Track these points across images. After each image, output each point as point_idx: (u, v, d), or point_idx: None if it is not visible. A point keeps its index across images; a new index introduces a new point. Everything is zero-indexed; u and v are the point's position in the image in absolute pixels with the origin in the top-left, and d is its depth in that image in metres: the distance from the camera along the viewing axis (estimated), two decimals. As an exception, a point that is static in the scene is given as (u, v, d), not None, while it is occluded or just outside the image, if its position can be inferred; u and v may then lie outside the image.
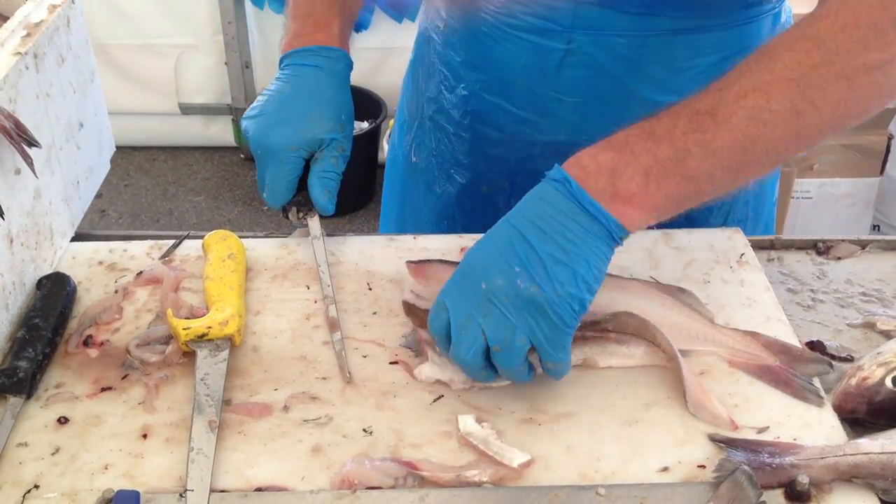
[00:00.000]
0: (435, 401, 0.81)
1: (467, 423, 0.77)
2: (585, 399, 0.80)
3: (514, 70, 1.01)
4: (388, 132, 2.93)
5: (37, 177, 0.87)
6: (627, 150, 0.76)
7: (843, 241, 1.03)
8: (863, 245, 1.03)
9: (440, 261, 0.93)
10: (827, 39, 0.74)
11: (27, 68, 0.88)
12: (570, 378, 0.82)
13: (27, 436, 0.77)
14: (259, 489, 0.72)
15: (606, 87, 0.98)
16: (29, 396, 0.80)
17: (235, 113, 3.39)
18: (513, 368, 0.75)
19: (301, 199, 0.96)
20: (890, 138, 2.81)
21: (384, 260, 0.97)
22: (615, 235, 0.75)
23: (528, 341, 0.74)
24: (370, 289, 0.93)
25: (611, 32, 0.95)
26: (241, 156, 3.54)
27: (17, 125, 0.83)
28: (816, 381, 0.81)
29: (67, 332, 0.87)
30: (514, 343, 0.73)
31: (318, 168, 0.94)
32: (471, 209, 1.14)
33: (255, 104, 0.96)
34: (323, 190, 0.94)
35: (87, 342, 0.86)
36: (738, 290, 0.93)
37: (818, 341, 0.89)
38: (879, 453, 0.71)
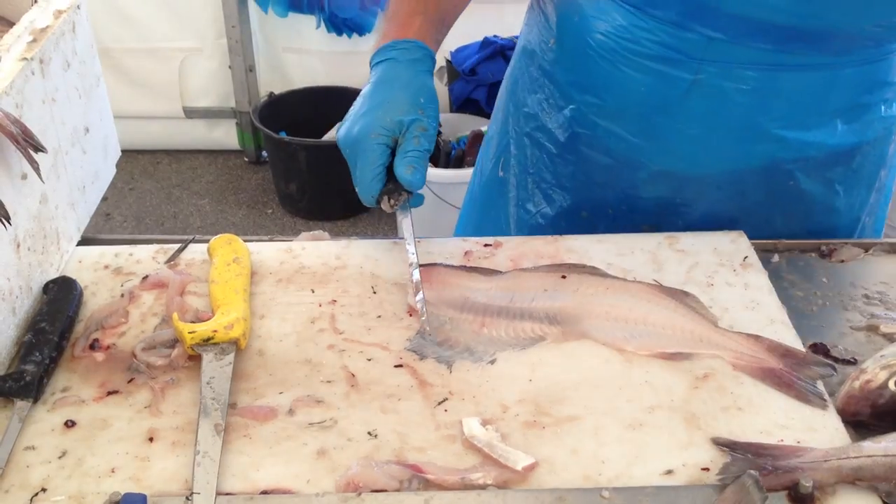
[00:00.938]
0: (439, 404, 0.81)
1: (472, 426, 0.78)
2: (589, 402, 0.81)
3: (632, 96, 0.99)
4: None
5: (43, 181, 0.87)
6: None
7: (846, 244, 1.03)
8: (866, 248, 1.03)
9: (444, 265, 0.94)
10: None
11: (33, 74, 0.89)
12: (573, 381, 0.82)
13: (34, 439, 0.77)
14: (265, 492, 0.72)
15: (731, 119, 0.97)
16: (36, 400, 0.80)
17: (239, 116, 3.41)
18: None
19: (392, 187, 0.94)
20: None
21: (389, 264, 0.97)
22: None
23: None
24: (375, 292, 0.94)
25: (741, 66, 0.93)
26: (245, 159, 3.55)
27: (24, 130, 0.83)
28: (820, 385, 0.82)
29: (74, 336, 0.88)
30: None
31: (401, 150, 0.93)
32: (568, 231, 1.06)
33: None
34: (406, 167, 0.92)
35: (94, 346, 0.87)
36: (741, 292, 0.93)
37: (821, 344, 0.89)
38: (883, 456, 0.72)
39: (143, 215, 3.35)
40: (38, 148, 0.85)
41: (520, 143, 1.15)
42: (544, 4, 1.09)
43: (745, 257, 0.97)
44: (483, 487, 0.73)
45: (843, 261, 1.02)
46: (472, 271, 0.94)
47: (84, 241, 1.02)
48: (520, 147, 1.15)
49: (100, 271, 0.97)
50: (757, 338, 0.84)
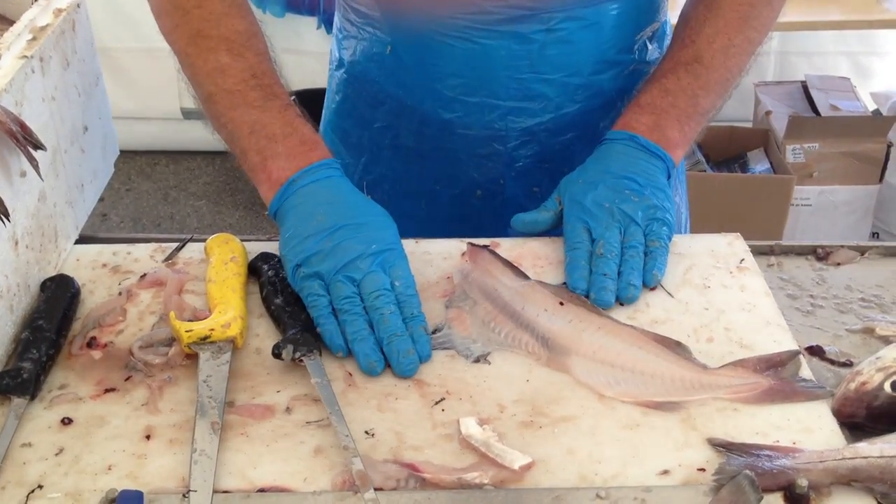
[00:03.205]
0: (436, 403, 0.81)
1: (469, 425, 0.78)
2: (586, 403, 0.81)
3: (496, 64, 1.04)
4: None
5: (42, 179, 0.87)
6: (659, 109, 1.01)
7: (842, 246, 1.03)
8: (862, 251, 1.03)
9: (492, 251, 0.95)
10: None
11: (33, 72, 0.89)
12: (569, 382, 0.83)
13: (31, 436, 0.77)
14: (262, 490, 0.72)
15: (581, 57, 1.06)
16: (33, 397, 0.80)
17: (237, 117, 3.40)
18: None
19: (301, 338, 0.84)
20: (889, 146, 2.82)
21: None
22: (670, 169, 1.01)
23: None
24: (372, 292, 0.94)
25: (579, 4, 1.02)
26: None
27: (23, 128, 0.84)
28: (804, 374, 0.82)
29: (71, 334, 0.88)
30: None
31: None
32: (467, 216, 1.13)
33: None
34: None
35: (91, 344, 0.87)
36: (737, 294, 0.93)
37: (817, 346, 0.89)
38: (878, 457, 0.72)
39: (140, 216, 3.35)
40: (38, 146, 0.85)
41: (377, 158, 1.15)
42: (366, 21, 1.08)
43: (742, 260, 0.98)
44: (480, 486, 0.73)
45: (839, 264, 1.02)
46: (508, 267, 0.94)
47: (83, 240, 1.02)
48: (378, 161, 1.15)
49: (97, 269, 0.97)
50: (741, 363, 0.83)
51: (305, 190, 0.92)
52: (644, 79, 1.07)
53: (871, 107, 3.03)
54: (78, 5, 1.01)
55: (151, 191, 3.47)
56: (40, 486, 0.73)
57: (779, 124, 2.89)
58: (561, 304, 0.87)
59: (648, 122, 1.01)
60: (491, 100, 1.06)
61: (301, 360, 0.82)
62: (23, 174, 0.86)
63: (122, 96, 3.30)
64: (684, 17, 1.07)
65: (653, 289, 0.93)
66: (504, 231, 1.05)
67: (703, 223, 1.27)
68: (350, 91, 1.16)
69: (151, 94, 3.39)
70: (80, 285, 0.93)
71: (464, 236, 1.02)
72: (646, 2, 1.10)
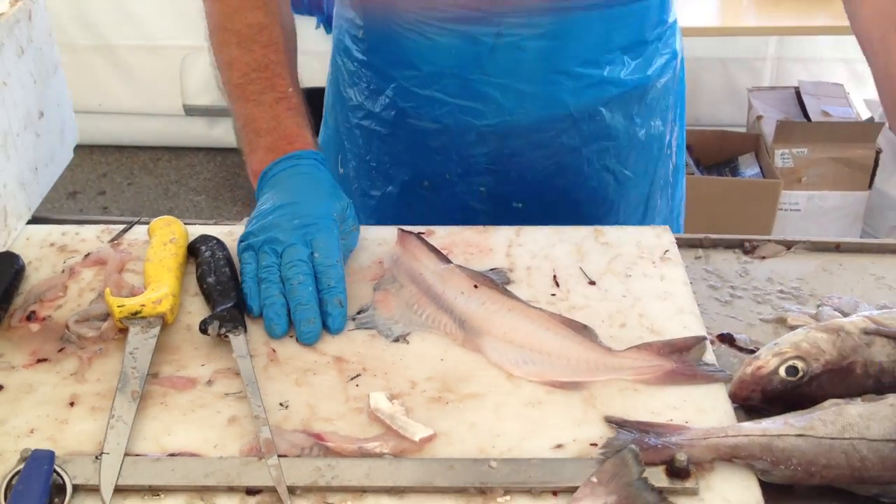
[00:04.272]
0: (352, 379, 0.85)
1: (378, 399, 0.81)
2: (494, 381, 0.84)
3: (445, 61, 1.07)
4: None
5: (-15, 159, 0.92)
6: None
7: (769, 241, 1.06)
8: (788, 246, 1.06)
9: (419, 237, 0.98)
10: None
11: (-17, 58, 0.93)
12: (483, 363, 0.86)
13: (-38, 401, 0.81)
14: (172, 454, 0.76)
15: (534, 65, 1.07)
16: (-31, 365, 0.85)
17: (237, 115, 3.46)
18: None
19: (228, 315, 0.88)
20: (878, 153, 2.83)
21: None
22: None
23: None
24: (305, 274, 0.97)
25: (534, 13, 1.03)
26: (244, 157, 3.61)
27: (-33, 110, 0.88)
28: (708, 358, 0.85)
29: (13, 308, 0.92)
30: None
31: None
32: (413, 205, 1.18)
33: None
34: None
35: (31, 317, 0.91)
36: (656, 283, 0.96)
37: (728, 334, 0.92)
38: (760, 436, 0.75)
39: (140, 210, 3.40)
40: (-18, 127, 0.90)
41: (351, 135, 1.21)
42: (346, 2, 1.16)
43: (666, 251, 1.01)
44: (380, 456, 0.76)
45: (764, 257, 1.05)
46: (433, 252, 0.97)
47: (36, 221, 1.06)
48: (352, 139, 1.21)
49: (45, 248, 1.01)
50: (645, 346, 0.86)
51: (273, 179, 0.98)
52: (615, 92, 1.11)
53: (865, 114, 3.04)
54: (36, -4, 1.05)
55: (152, 185, 3.53)
56: (-35, 446, 0.77)
57: (769, 129, 2.91)
58: (476, 287, 0.91)
59: None
60: (440, 95, 1.10)
61: (226, 336, 0.86)
62: (-31, 154, 0.91)
63: (125, 92, 3.36)
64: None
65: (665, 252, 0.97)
66: (445, 223, 1.08)
67: (693, 226, 1.29)
68: (333, 69, 1.22)
69: (154, 91, 3.45)
70: (25, 263, 0.97)
71: (408, 223, 1.06)
72: (624, 18, 1.10)
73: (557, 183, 1.16)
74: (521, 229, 1.04)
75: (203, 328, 0.86)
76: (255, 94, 1.02)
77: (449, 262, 0.95)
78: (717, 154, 3.06)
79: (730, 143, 3.06)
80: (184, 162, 3.69)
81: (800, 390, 0.81)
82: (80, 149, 3.56)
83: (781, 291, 0.99)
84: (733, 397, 0.83)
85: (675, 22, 1.19)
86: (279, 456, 0.76)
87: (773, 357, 0.82)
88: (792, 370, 0.81)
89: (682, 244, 1.06)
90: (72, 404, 0.81)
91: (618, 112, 1.14)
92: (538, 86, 1.08)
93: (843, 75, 3.33)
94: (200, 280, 0.92)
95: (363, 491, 0.73)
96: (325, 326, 0.88)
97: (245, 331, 0.87)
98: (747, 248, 1.06)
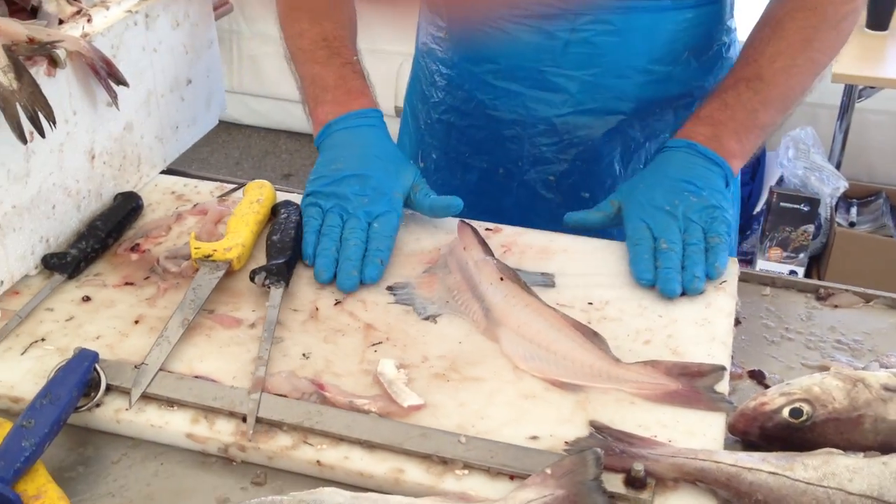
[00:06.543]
0: (373, 345, 0.91)
1: (385, 365, 0.87)
2: (499, 371, 0.88)
3: (522, 55, 1.14)
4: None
5: (118, 109, 1.07)
6: (717, 122, 1.06)
7: (847, 290, 1.01)
8: (868, 299, 1.01)
9: (472, 229, 1.03)
10: (818, 6, 1.06)
11: (136, 24, 1.09)
12: (495, 351, 0.90)
13: (55, 304, 0.96)
14: (196, 377, 0.86)
15: (605, 61, 1.13)
16: (70, 277, 1.00)
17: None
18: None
19: (275, 268, 0.97)
20: None
21: (420, 229, 1.08)
22: (728, 177, 1.06)
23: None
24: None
25: (606, 11, 1.10)
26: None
27: (108, 65, 1.04)
28: (720, 387, 0.84)
29: (123, 239, 1.07)
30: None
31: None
32: (489, 192, 1.25)
33: None
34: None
35: (134, 248, 1.06)
36: (699, 309, 0.95)
37: (759, 371, 0.90)
38: (730, 465, 0.73)
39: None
40: (120, 81, 1.05)
41: (432, 130, 1.29)
42: (432, 3, 1.23)
43: (724, 281, 0.99)
44: (366, 413, 0.82)
45: (836, 306, 1.00)
46: (480, 243, 1.01)
47: (170, 172, 1.22)
48: (433, 134, 1.29)
49: (166, 195, 1.16)
50: (653, 363, 0.86)
51: (337, 134, 1.11)
52: (677, 91, 1.14)
53: None
54: (201, -21, 1.21)
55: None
56: (43, 339, 0.91)
57: None
58: (501, 279, 0.94)
59: (707, 133, 1.06)
60: (515, 86, 1.17)
61: (268, 286, 0.95)
62: (109, 104, 1.06)
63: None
64: (750, 38, 1.11)
65: (722, 282, 0.98)
66: (519, 210, 1.17)
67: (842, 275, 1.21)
68: (416, 71, 1.32)
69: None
70: (144, 203, 1.12)
71: (485, 209, 1.14)
72: (692, 20, 1.14)
73: (622, 174, 1.21)
74: (582, 239, 1.06)
75: (251, 277, 0.96)
76: (323, 58, 1.14)
77: (491, 254, 0.99)
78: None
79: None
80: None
81: (800, 434, 0.78)
82: (300, 137, 3.88)
83: (839, 342, 0.95)
84: (731, 429, 0.81)
85: (735, 28, 1.22)
86: (281, 395, 0.84)
87: (779, 396, 0.80)
88: (796, 412, 0.78)
89: (754, 280, 1.04)
90: (136, 322, 0.94)
91: (681, 111, 1.18)
92: (608, 79, 1.14)
93: None
94: (268, 237, 1.03)
95: (340, 439, 0.80)
96: (361, 278, 0.98)
97: (286, 286, 0.96)
98: (821, 295, 1.01)
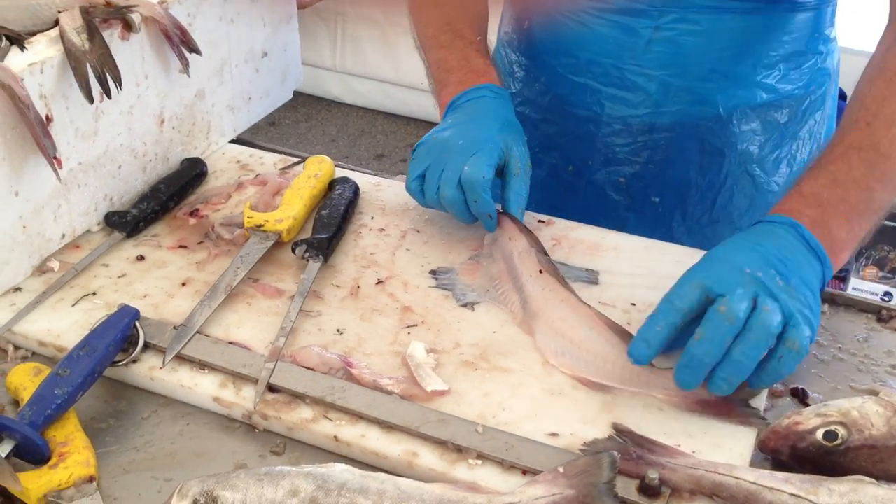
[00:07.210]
0: (408, 327, 0.91)
1: (416, 348, 0.87)
2: (529, 364, 0.87)
3: (601, 50, 1.11)
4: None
5: (189, 76, 1.10)
6: (826, 202, 0.87)
7: (912, 315, 0.96)
8: (935, 325, 0.95)
9: (515, 219, 1.00)
10: None
11: (213, -5, 1.12)
12: (528, 344, 0.89)
13: (111, 260, 1.00)
14: (231, 343, 0.88)
15: (688, 62, 1.08)
16: (129, 236, 1.03)
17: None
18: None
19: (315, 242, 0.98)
20: None
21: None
22: (826, 278, 0.85)
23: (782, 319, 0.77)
24: (418, 231, 1.05)
25: (693, 10, 1.05)
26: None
27: (182, 32, 1.06)
28: (755, 402, 0.81)
29: (184, 203, 1.10)
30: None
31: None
32: (556, 188, 1.22)
33: None
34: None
35: (193, 213, 1.08)
36: (747, 321, 0.91)
37: (801, 389, 0.86)
38: (750, 482, 0.71)
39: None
40: (193, 49, 1.08)
41: None
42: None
43: (778, 293, 0.95)
44: (388, 393, 0.82)
45: (898, 329, 0.95)
46: (524, 234, 1.00)
47: (239, 142, 1.24)
48: None
49: (232, 163, 1.19)
50: None
51: (456, 107, 1.07)
52: (765, 99, 1.09)
53: None
54: (284, -45, 1.22)
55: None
56: (94, 293, 0.95)
57: None
58: (540, 272, 0.93)
59: (812, 216, 0.86)
60: (592, 82, 1.14)
61: (307, 259, 0.96)
62: (181, 71, 1.09)
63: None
64: (858, 93, 0.93)
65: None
66: (584, 211, 1.13)
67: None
68: (498, 58, 1.30)
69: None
70: (209, 171, 1.15)
71: (550, 206, 1.12)
72: (783, 26, 1.08)
73: (697, 181, 1.16)
74: (635, 238, 1.04)
75: (293, 248, 0.97)
76: (447, 41, 1.13)
77: (536, 245, 0.97)
78: None
79: None
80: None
81: (832, 458, 0.75)
82: (397, 119, 3.90)
83: (894, 366, 0.90)
84: (761, 446, 0.78)
85: (835, 39, 1.16)
86: (309, 368, 0.85)
87: (815, 416, 0.76)
88: (831, 435, 0.75)
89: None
90: (183, 284, 0.97)
91: (767, 118, 1.13)
92: (690, 81, 1.09)
93: None
94: (318, 211, 1.04)
95: (360, 417, 0.80)
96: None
97: (325, 261, 0.97)
98: (883, 317, 0.96)
